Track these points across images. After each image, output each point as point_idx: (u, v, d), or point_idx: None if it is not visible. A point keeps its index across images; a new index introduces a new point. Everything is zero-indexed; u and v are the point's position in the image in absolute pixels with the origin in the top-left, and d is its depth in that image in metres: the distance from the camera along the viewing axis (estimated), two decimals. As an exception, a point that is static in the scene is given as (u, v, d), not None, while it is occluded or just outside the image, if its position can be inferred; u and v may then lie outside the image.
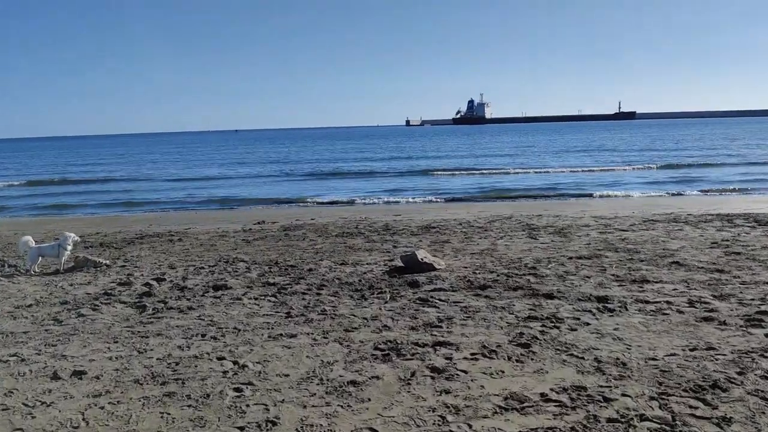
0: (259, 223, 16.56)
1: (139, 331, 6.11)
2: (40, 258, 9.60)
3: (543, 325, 5.94)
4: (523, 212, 16.84)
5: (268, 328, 6.11)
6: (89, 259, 9.75)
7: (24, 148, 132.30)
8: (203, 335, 5.93)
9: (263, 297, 7.39)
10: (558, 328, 5.87)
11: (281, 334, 5.88)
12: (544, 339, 5.55)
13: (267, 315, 6.62)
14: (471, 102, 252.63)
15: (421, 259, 8.78)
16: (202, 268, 9.51)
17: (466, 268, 8.95)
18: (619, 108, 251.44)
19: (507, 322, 6.08)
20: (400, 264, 9.03)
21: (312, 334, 5.89)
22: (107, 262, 9.97)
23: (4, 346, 5.79)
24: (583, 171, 35.21)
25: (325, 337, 5.77)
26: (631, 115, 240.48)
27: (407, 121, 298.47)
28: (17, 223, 19.97)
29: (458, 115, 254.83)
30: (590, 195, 23.87)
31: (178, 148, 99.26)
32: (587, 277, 8.05)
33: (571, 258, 9.51)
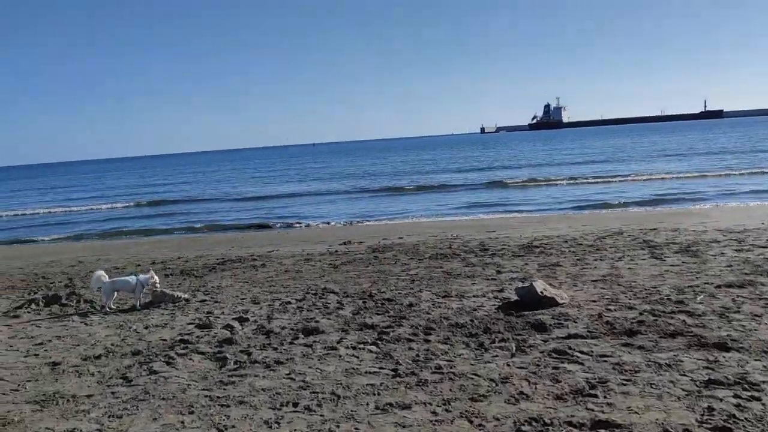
0: (344, 243, 15.52)
1: (218, 397, 5.02)
2: (115, 293, 8.81)
3: (735, 395, 4.44)
4: (633, 225, 15.05)
5: (374, 394, 4.89)
6: (167, 294, 8.87)
7: (108, 169, 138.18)
8: (295, 404, 4.76)
9: (362, 345, 6.18)
10: (759, 399, 4.36)
11: (391, 404, 4.64)
12: (746, 419, 4.08)
13: (370, 373, 5.40)
14: (547, 106, 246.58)
15: (541, 293, 7.38)
16: (289, 302, 8.43)
17: (594, 302, 7.48)
18: (705, 106, 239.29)
19: (683, 389, 4.62)
20: (515, 298, 7.66)
21: (430, 404, 4.62)
22: (186, 296, 9.07)
23: (63, 416, 4.82)
24: (685, 176, 32.50)
25: (447, 410, 4.49)
26: (718, 114, 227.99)
27: (482, 129, 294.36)
28: (101, 247, 19.78)
29: (534, 121, 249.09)
30: (703, 203, 21.64)
31: (257, 164, 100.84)
32: (756, 316, 6.43)
33: (719, 286, 7.86)
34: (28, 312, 8.70)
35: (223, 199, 38.34)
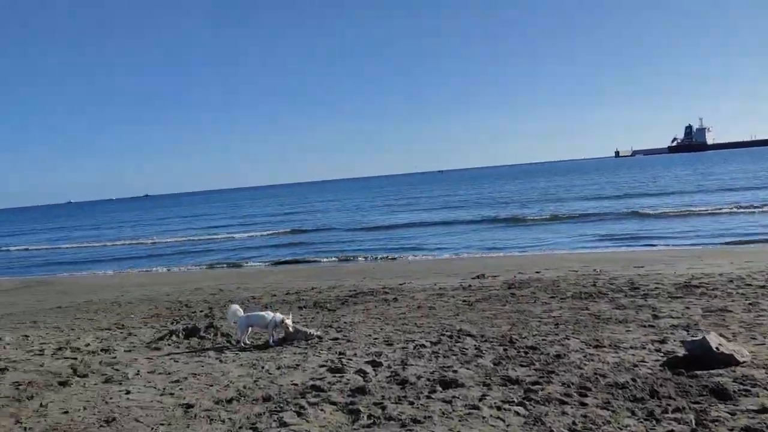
0: (477, 277, 14.81)
1: (351, 461, 4.55)
2: (250, 328, 8.71)
3: None
4: (810, 263, 13.15)
5: (527, 471, 4.20)
6: (300, 331, 8.63)
7: (247, 197, 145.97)
8: (436, 478, 4.19)
9: (507, 405, 5.48)
10: None
11: (549, 488, 3.94)
12: None
13: (519, 442, 4.71)
14: (689, 128, 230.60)
15: (716, 349, 6.30)
16: (423, 346, 7.89)
17: (784, 361, 6.29)
18: None
19: None
20: (683, 352, 6.63)
21: (596, 491, 3.87)
22: (318, 333, 8.80)
23: (192, 472, 4.55)
24: None
25: (619, 502, 3.72)
26: None
27: (616, 152, 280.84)
28: (241, 275, 20.38)
29: (675, 143, 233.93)
30: None
31: (385, 192, 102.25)
32: None
33: None
34: (168, 344, 8.79)
35: (354, 228, 38.72)
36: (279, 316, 8.61)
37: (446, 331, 8.71)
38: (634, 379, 5.92)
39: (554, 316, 9.42)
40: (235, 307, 8.83)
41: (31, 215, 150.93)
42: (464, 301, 11.42)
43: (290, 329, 8.50)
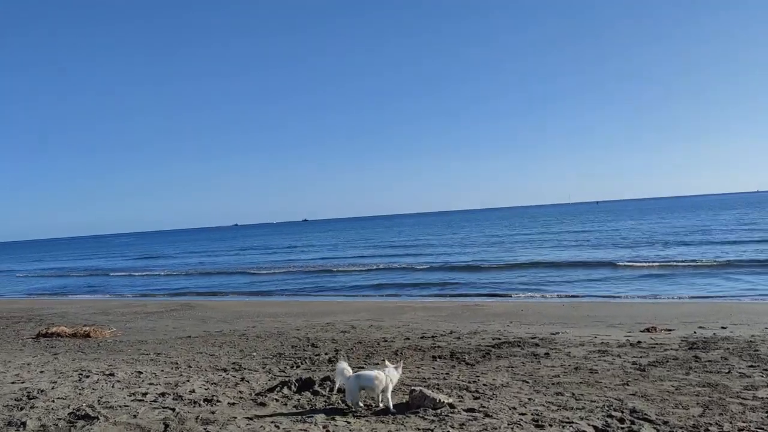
0: (647, 330, 12.41)
1: None
2: (362, 390, 7.22)
3: None
4: None
5: None
6: (427, 396, 7.01)
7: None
8: None
9: None
10: None
11: None
12: None
13: None
14: None
15: None
16: (585, 432, 5.97)
17: None
18: None
19: None
20: None
21: None
22: (450, 400, 7.12)
23: None
24: None
25: None
26: None
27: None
28: (377, 308, 19.15)
29: None
30: None
31: (525, 223, 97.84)
32: None
33: None
34: (277, 399, 7.55)
35: (503, 266, 35.68)
36: (394, 373, 7.11)
37: (614, 410, 6.69)
38: None
39: (762, 398, 7.05)
40: (343, 366, 7.39)
41: (206, 235, 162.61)
42: (634, 364, 9.20)
43: (393, 378, 7.02)
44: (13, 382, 9.07)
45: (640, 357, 9.68)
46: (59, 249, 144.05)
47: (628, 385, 7.92)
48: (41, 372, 9.88)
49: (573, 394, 7.53)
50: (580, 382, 8.14)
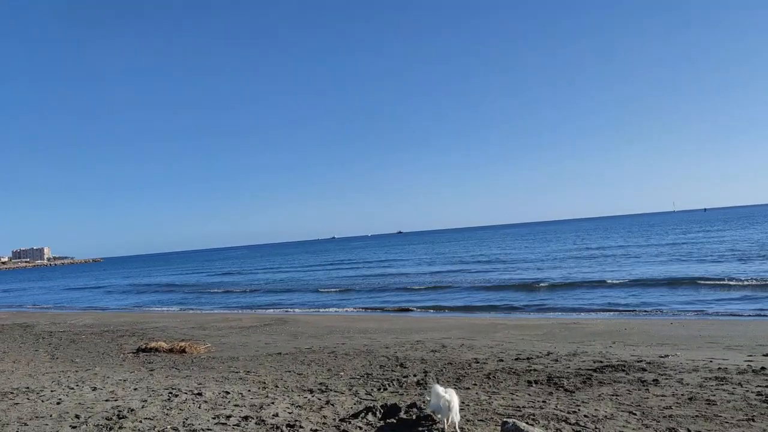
0: (771, 354, 11.14)
1: None
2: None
3: None
4: None
5: None
6: (520, 430, 6.41)
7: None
8: None
9: None
10: None
11: None
12: None
13: None
14: None
15: None
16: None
17: None
18: None
19: None
20: None
21: None
22: (547, 435, 6.49)
23: None
24: None
25: None
26: None
27: None
28: (470, 326, 18.49)
29: None
30: None
31: (628, 234, 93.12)
32: None
33: None
34: (360, 428, 7.17)
35: (591, 280, 33.58)
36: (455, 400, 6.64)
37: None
38: None
39: None
40: (438, 389, 6.92)
41: (303, 248, 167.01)
42: (759, 395, 8.16)
43: (449, 405, 6.59)
44: (107, 400, 9.21)
45: (766, 386, 8.60)
46: (179, 261, 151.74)
47: (753, 420, 6.98)
48: (135, 389, 10.01)
49: (689, 430, 6.69)
50: (696, 416, 7.25)
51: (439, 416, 6.83)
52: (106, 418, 8.00)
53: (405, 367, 11.49)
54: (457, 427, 6.77)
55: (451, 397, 6.70)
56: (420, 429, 6.97)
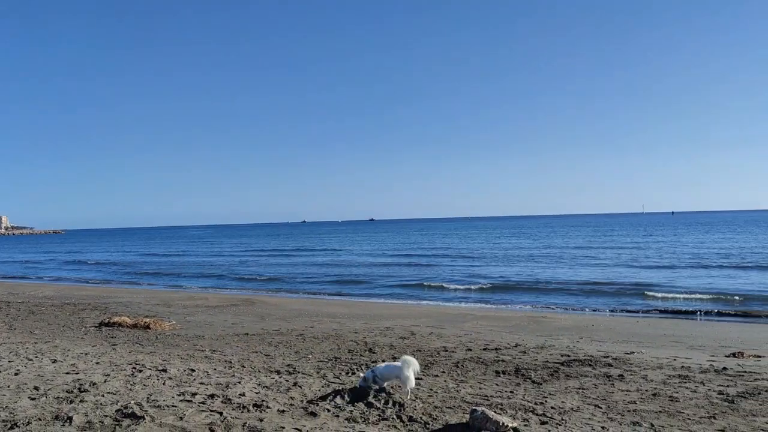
0: (734, 354, 11.45)
1: None
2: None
3: None
4: None
5: None
6: (489, 419, 6.48)
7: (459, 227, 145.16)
8: None
9: None
10: None
11: None
12: None
13: None
14: None
15: None
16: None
17: None
18: None
19: None
20: None
21: None
22: (515, 424, 6.59)
23: None
24: None
25: None
26: None
27: None
28: (438, 315, 18.65)
29: None
30: None
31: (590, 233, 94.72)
32: None
33: None
34: (328, 409, 7.20)
35: (568, 283, 34.86)
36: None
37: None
38: None
39: None
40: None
41: (275, 230, 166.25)
42: (720, 393, 8.38)
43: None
44: (68, 373, 9.09)
45: (727, 386, 8.84)
46: (135, 238, 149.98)
47: (714, 418, 7.18)
48: (97, 363, 9.89)
49: (652, 425, 6.85)
50: (660, 411, 7.43)
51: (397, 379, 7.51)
52: (66, 391, 7.90)
53: (374, 353, 11.54)
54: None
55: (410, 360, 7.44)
56: (388, 410, 7.05)
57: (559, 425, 6.77)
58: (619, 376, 9.45)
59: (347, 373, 9.49)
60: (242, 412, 7.07)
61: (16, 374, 8.93)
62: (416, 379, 8.88)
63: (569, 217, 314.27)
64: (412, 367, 7.74)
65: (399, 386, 7.88)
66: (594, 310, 20.95)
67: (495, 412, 6.91)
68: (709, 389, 8.64)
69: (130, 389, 8.08)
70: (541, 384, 8.93)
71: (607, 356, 11.16)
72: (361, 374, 8.77)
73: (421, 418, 6.90)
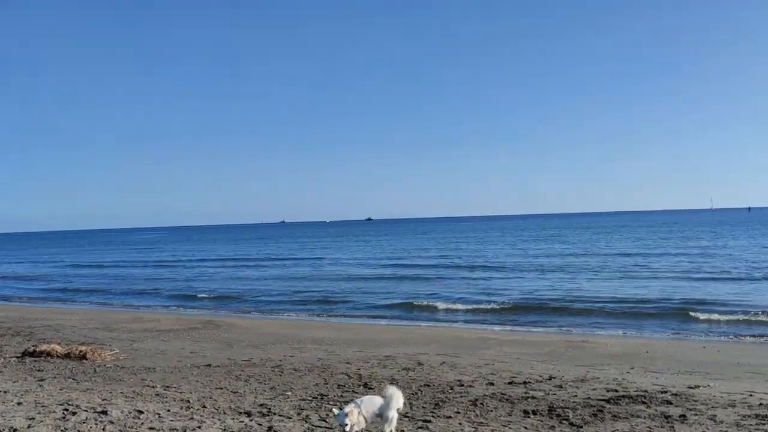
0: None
1: None
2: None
3: None
4: None
5: None
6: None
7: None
8: None
9: None
10: None
11: None
12: None
13: None
14: None
15: None
16: None
17: None
18: None
19: None
20: None
21: None
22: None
23: None
24: None
25: None
26: None
27: None
28: (454, 340, 18.66)
29: None
30: None
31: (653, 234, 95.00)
32: None
33: None
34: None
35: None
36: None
37: None
38: None
39: None
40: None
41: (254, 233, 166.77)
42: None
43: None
44: (-19, 416, 9.08)
45: (819, 429, 8.85)
46: (68, 244, 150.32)
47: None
48: (18, 404, 9.90)
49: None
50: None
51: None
52: (-21, 441, 7.89)
53: (370, 388, 11.56)
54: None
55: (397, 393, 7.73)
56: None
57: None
58: (680, 416, 9.46)
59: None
60: (203, 466, 7.07)
61: None
62: (424, 422, 8.92)
63: (618, 215, 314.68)
64: (399, 403, 7.90)
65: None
66: (648, 333, 20.97)
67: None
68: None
69: (61, 437, 8.07)
70: (581, 427, 8.95)
71: (666, 391, 11.17)
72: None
73: None
